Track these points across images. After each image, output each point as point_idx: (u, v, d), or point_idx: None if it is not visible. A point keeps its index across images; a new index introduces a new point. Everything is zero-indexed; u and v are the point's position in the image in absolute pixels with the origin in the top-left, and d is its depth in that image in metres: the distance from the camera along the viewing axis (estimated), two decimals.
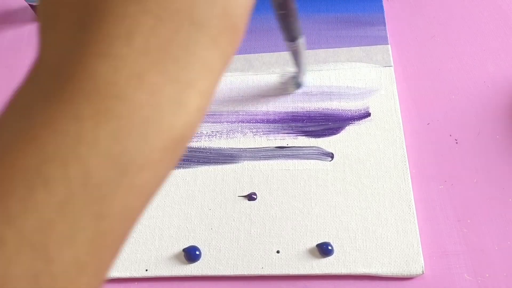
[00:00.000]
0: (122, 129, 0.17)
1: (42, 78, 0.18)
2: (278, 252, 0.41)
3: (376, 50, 0.52)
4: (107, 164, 0.17)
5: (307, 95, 0.50)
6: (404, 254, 0.39)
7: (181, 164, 0.47)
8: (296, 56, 0.46)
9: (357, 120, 0.47)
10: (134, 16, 0.18)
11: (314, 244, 0.41)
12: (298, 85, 0.50)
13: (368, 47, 0.52)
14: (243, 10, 0.21)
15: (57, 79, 0.17)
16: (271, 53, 0.54)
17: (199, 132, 0.49)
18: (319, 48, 0.53)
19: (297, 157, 0.46)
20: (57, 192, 0.16)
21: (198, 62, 0.19)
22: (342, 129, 0.47)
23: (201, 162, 0.47)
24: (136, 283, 0.42)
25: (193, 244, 0.42)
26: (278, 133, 0.47)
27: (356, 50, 0.52)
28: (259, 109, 0.49)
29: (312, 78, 0.51)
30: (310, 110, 0.48)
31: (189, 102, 0.19)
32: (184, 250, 0.42)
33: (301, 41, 0.44)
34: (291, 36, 0.44)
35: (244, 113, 0.50)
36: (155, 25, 0.18)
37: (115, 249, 0.18)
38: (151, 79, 0.18)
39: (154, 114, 0.18)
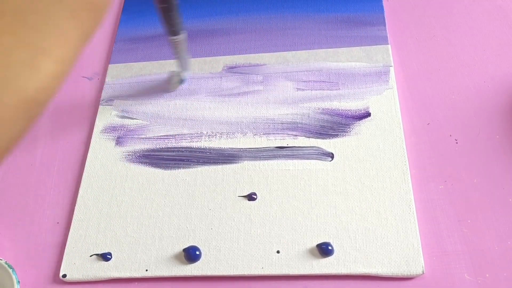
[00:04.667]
0: None
1: None
2: (278, 252, 0.41)
3: (376, 50, 0.52)
4: None
5: (307, 95, 0.50)
6: (404, 254, 0.39)
7: (181, 164, 0.47)
8: (177, 52, 0.48)
9: (357, 120, 0.47)
10: None
11: (314, 244, 0.41)
12: (181, 81, 0.52)
13: (368, 47, 0.52)
14: None
15: None
16: (271, 53, 0.53)
17: (199, 132, 0.49)
18: (319, 48, 0.53)
19: (297, 157, 0.46)
20: None
21: (55, 32, 0.21)
22: (342, 129, 0.47)
23: (201, 162, 0.47)
24: (136, 283, 0.42)
25: (193, 244, 0.42)
26: (278, 133, 0.47)
27: (356, 50, 0.52)
28: (259, 109, 0.49)
29: (312, 79, 0.51)
30: (310, 110, 0.48)
31: (43, 67, 0.20)
32: (184, 250, 0.42)
33: (182, 37, 0.46)
34: (172, 31, 0.45)
35: (244, 113, 0.50)
36: None
37: None
38: (3, 39, 0.19)
39: (6, 74, 0.19)
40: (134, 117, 0.51)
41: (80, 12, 0.22)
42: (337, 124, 0.47)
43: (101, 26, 0.25)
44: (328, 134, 0.47)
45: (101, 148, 0.49)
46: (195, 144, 0.48)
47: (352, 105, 0.48)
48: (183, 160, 0.47)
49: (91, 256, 0.43)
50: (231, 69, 0.53)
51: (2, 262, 0.41)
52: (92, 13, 0.23)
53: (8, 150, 0.22)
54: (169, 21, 0.44)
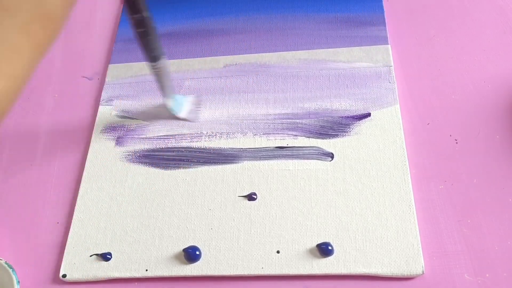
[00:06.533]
0: None
1: None
2: (278, 252, 0.41)
3: (376, 50, 0.52)
4: None
5: (307, 95, 0.50)
6: (404, 254, 0.39)
7: (181, 164, 0.47)
8: (158, 79, 0.45)
9: (357, 120, 0.47)
10: None
11: (314, 244, 0.41)
12: (171, 110, 0.49)
13: (368, 47, 0.52)
14: (58, 1, 0.22)
15: None
16: (271, 53, 0.54)
17: (199, 132, 0.49)
18: (319, 48, 0.53)
19: (297, 157, 0.46)
20: None
21: (4, 46, 0.20)
22: (342, 129, 0.47)
23: (201, 162, 0.47)
24: (136, 283, 0.42)
25: (193, 244, 0.42)
26: (278, 133, 0.47)
27: (356, 50, 0.52)
28: (259, 109, 0.49)
29: (311, 79, 0.51)
30: (310, 110, 0.48)
31: None
32: (184, 250, 0.42)
33: (163, 62, 0.43)
34: (151, 57, 0.43)
35: (244, 113, 0.50)
36: None
37: None
38: None
39: None
40: (134, 117, 0.51)
41: (32, 25, 0.21)
42: (337, 124, 0.47)
43: (55, 39, 0.24)
44: (328, 134, 0.47)
45: (101, 148, 0.49)
46: (195, 144, 0.48)
47: (352, 105, 0.48)
48: (183, 160, 0.47)
49: (91, 256, 0.43)
50: (231, 69, 0.53)
51: (2, 262, 0.41)
52: (44, 24, 0.22)
53: None
54: (147, 46, 0.42)
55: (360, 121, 0.47)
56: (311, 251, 0.40)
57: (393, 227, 0.41)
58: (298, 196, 0.43)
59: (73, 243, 0.44)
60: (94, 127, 0.51)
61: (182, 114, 0.49)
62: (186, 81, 0.53)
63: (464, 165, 0.43)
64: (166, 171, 0.47)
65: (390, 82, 0.49)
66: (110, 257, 0.43)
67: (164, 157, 0.48)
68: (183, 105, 0.50)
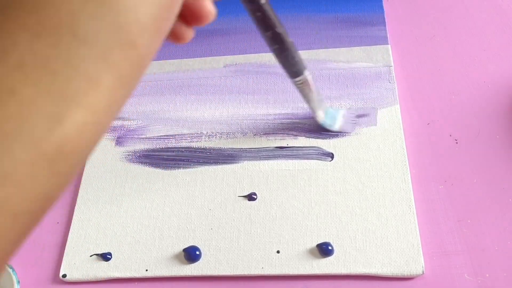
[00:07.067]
0: None
1: None
2: (278, 252, 0.41)
3: (376, 50, 0.52)
4: None
5: None
6: (404, 254, 0.39)
7: (181, 164, 0.47)
8: (303, 94, 0.42)
9: (357, 120, 0.47)
10: (11, 33, 0.18)
11: (314, 244, 0.41)
12: (323, 124, 0.46)
13: (368, 47, 0.52)
14: (141, 26, 0.20)
15: None
16: (271, 53, 0.53)
17: (199, 132, 0.49)
18: (319, 48, 0.53)
19: (297, 157, 0.46)
20: None
21: (82, 76, 0.18)
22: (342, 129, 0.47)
23: (201, 162, 0.47)
24: (136, 283, 0.42)
25: (193, 244, 0.42)
26: (278, 133, 0.47)
27: (356, 50, 0.52)
28: (259, 109, 0.49)
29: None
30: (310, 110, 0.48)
31: (68, 116, 0.18)
32: (184, 250, 0.42)
33: (306, 76, 0.41)
34: (291, 72, 0.40)
35: (244, 113, 0.50)
36: (32, 40, 0.18)
37: None
38: (23, 92, 0.17)
39: (22, 126, 0.17)
40: (134, 117, 0.51)
41: (111, 53, 0.19)
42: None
43: (143, 71, 0.21)
44: (328, 134, 0.47)
45: (101, 148, 0.49)
46: (195, 144, 0.48)
47: (352, 105, 0.48)
48: (183, 160, 0.47)
49: (91, 256, 0.43)
50: (231, 69, 0.53)
51: None
52: (126, 53, 0.19)
53: (34, 212, 0.20)
54: (285, 62, 0.39)
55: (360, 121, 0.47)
56: (311, 251, 0.40)
57: (393, 227, 0.41)
58: (298, 196, 0.43)
59: (73, 243, 0.44)
60: None
61: (336, 127, 0.46)
62: (186, 81, 0.53)
63: (464, 165, 0.43)
64: (166, 171, 0.47)
65: (390, 82, 0.49)
66: (110, 257, 0.43)
67: (164, 157, 0.48)
68: (336, 118, 0.46)
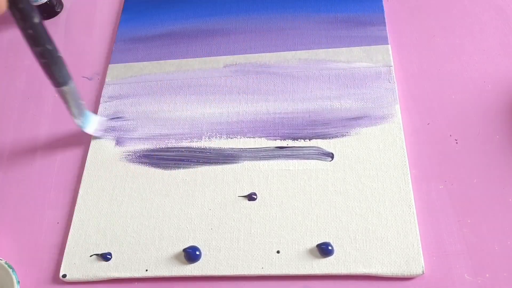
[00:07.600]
0: None
1: None
2: (278, 252, 0.41)
3: (376, 50, 0.52)
4: None
5: (307, 95, 0.50)
6: (404, 254, 0.39)
7: (181, 164, 0.47)
8: (66, 100, 0.46)
9: (357, 120, 0.47)
10: None
11: (314, 244, 0.41)
12: (81, 126, 0.49)
13: (368, 47, 0.52)
14: None
15: None
16: (271, 53, 0.54)
17: (199, 132, 0.49)
18: (319, 48, 0.53)
19: (297, 157, 0.46)
20: None
21: None
22: (342, 130, 0.47)
23: (201, 162, 0.47)
24: (136, 283, 0.42)
25: (193, 244, 0.42)
26: (278, 133, 0.47)
27: (356, 50, 0.52)
28: (259, 109, 0.49)
29: (311, 79, 0.51)
30: (311, 110, 0.48)
31: None
32: (184, 250, 0.42)
33: (70, 87, 0.44)
34: (57, 82, 0.43)
35: (244, 113, 0.50)
36: None
37: None
38: None
39: None
40: (134, 117, 0.51)
41: None
42: (337, 124, 0.47)
43: None
44: (328, 134, 0.47)
45: (101, 148, 0.49)
46: (195, 144, 0.48)
47: (352, 105, 0.48)
48: (183, 160, 0.47)
49: (91, 256, 0.43)
50: (231, 69, 0.53)
51: (2, 262, 0.41)
52: None
53: None
54: (52, 74, 0.42)
55: (360, 121, 0.47)
56: (311, 251, 0.40)
57: (393, 227, 0.41)
58: (298, 196, 0.43)
59: (73, 243, 0.44)
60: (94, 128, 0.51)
61: (90, 129, 0.50)
62: (186, 81, 0.53)
63: (464, 165, 0.43)
64: (166, 171, 0.47)
65: (390, 82, 0.49)
66: (110, 257, 0.43)
67: (164, 157, 0.48)
68: (91, 122, 0.50)
